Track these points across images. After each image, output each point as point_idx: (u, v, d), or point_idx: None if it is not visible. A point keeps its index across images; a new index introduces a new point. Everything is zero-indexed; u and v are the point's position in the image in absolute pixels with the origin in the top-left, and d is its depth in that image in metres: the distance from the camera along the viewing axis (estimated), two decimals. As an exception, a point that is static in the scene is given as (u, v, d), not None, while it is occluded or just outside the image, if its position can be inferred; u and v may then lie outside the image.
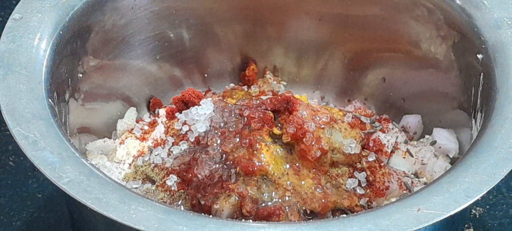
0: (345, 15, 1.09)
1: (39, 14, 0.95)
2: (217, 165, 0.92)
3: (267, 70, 1.15)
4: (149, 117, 1.08)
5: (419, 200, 0.79)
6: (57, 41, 0.94)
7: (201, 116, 0.97)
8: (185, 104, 1.04)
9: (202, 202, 0.91)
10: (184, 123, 0.99)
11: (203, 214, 0.82)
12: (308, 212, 0.92)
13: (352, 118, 1.00)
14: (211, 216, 0.86)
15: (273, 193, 0.91)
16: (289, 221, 0.89)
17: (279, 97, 0.97)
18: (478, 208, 1.10)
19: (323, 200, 0.93)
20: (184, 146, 0.97)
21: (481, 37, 0.96)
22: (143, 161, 0.99)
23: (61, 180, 0.79)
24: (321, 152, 0.94)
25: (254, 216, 0.89)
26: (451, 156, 1.02)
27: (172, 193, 0.94)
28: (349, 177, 0.96)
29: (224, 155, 0.93)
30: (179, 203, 0.93)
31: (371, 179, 0.96)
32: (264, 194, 0.91)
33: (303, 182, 0.93)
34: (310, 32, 1.12)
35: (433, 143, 1.03)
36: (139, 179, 0.97)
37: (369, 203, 0.95)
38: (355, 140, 0.96)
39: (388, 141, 1.01)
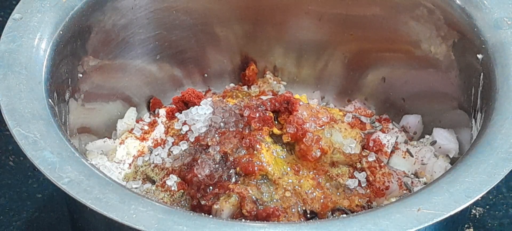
0: (345, 15, 1.09)
1: (39, 14, 0.95)
2: (217, 165, 0.92)
3: (267, 70, 1.15)
4: (149, 117, 1.08)
5: (419, 200, 0.79)
6: (57, 41, 0.94)
7: (201, 116, 0.97)
8: (185, 104, 1.04)
9: (202, 202, 0.91)
10: (184, 123, 0.99)
11: (203, 214, 0.82)
12: (308, 212, 0.92)
13: (352, 118, 1.00)
14: (211, 216, 0.86)
15: (273, 193, 0.91)
16: (289, 221, 0.89)
17: (279, 97, 0.97)
18: (478, 208, 1.10)
19: (323, 200, 0.93)
20: (184, 146, 0.97)
21: (481, 37, 0.96)
22: (143, 161, 0.99)
23: (61, 180, 0.79)
24: (321, 152, 0.94)
25: (254, 216, 0.89)
26: (451, 156, 1.02)
27: (172, 193, 0.94)
28: (349, 177, 0.96)
29: (224, 155, 0.93)
30: (182, 203, 0.93)
31: (371, 179, 0.96)
32: (264, 194, 0.91)
33: (303, 182, 0.93)
34: (310, 32, 1.12)
35: (433, 143, 1.03)
36: (139, 179, 0.97)
37: (369, 203, 0.95)
38: (355, 140, 0.96)
39: (388, 141, 1.01)
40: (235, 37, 1.13)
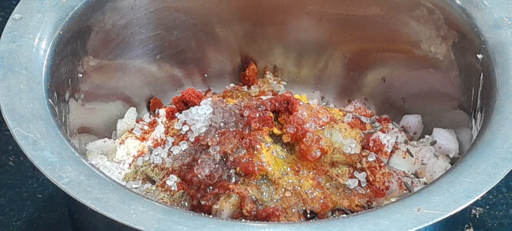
0: (345, 15, 1.09)
1: (39, 14, 0.95)
2: (217, 165, 0.92)
3: (267, 70, 1.15)
4: (149, 117, 1.08)
5: (419, 200, 0.79)
6: (57, 41, 0.94)
7: (201, 116, 0.97)
8: (185, 104, 1.04)
9: (202, 202, 0.91)
10: (184, 123, 0.99)
11: (203, 214, 0.82)
12: (308, 212, 0.92)
13: (352, 118, 1.00)
14: (211, 216, 0.86)
15: (273, 193, 0.91)
16: (289, 221, 0.89)
17: (279, 97, 0.97)
18: (478, 208, 1.10)
19: (323, 200, 0.93)
20: (184, 146, 0.97)
21: (481, 37, 0.96)
22: (143, 161, 0.99)
23: (61, 180, 0.79)
24: (321, 152, 0.94)
25: (254, 216, 0.89)
26: (451, 156, 1.02)
27: (172, 193, 0.94)
28: (349, 177, 0.96)
29: (224, 155, 0.93)
30: (183, 202, 0.93)
31: (371, 179, 0.96)
32: (264, 194, 0.91)
33: (303, 182, 0.93)
34: (310, 32, 1.12)
35: (433, 143, 1.03)
36: (139, 179, 0.97)
37: (369, 203, 0.95)
38: (355, 140, 0.96)
39: (388, 141, 1.01)
40: (235, 37, 1.13)
